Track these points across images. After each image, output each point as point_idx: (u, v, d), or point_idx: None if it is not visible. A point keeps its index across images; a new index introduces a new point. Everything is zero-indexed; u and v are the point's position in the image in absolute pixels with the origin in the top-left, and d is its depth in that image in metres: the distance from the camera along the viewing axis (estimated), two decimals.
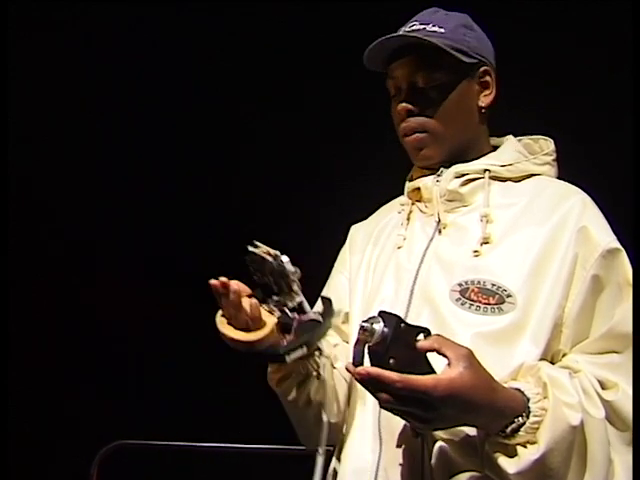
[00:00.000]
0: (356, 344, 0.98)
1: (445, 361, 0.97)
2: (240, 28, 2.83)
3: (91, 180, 2.97)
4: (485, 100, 1.27)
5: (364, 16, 2.46)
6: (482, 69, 1.27)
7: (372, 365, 0.96)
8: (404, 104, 1.23)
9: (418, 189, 1.27)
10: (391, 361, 0.95)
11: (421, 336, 0.98)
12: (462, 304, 1.12)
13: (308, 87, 2.80)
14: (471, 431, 1.04)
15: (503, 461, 1.00)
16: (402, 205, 1.30)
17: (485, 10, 1.36)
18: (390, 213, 1.35)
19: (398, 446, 1.10)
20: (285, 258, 1.08)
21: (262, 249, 1.09)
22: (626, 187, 1.32)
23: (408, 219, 1.27)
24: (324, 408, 1.19)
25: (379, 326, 0.96)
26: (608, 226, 1.17)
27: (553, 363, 1.10)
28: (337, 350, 1.30)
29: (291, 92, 2.82)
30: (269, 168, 2.89)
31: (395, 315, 0.98)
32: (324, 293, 1.38)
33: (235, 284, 1.11)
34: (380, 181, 1.43)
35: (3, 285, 2.02)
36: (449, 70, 1.23)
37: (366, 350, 0.98)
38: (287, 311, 1.11)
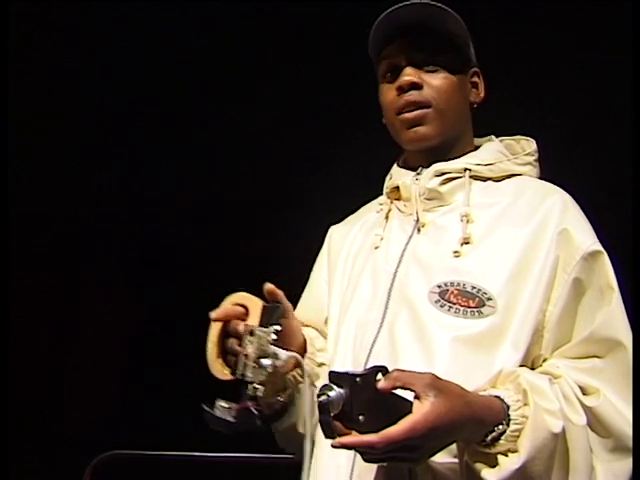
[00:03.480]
0: (320, 417, 0.94)
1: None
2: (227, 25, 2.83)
3: (91, 181, 2.98)
4: (476, 98, 1.27)
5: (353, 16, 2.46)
6: (473, 69, 1.28)
7: (346, 427, 0.93)
8: (408, 77, 1.19)
9: (397, 188, 1.24)
10: (361, 418, 0.92)
11: (379, 375, 0.94)
12: (441, 306, 1.09)
13: (289, 86, 2.80)
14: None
15: (484, 471, 0.97)
16: (380, 205, 1.28)
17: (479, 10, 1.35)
18: (369, 213, 1.33)
19: None
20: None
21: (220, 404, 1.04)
22: (618, 189, 1.31)
23: (386, 218, 1.25)
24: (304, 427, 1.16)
25: (335, 393, 0.92)
26: (590, 227, 1.15)
27: (533, 368, 1.08)
28: (322, 370, 1.24)
29: (269, 92, 2.82)
30: (248, 170, 2.89)
31: (347, 373, 0.95)
32: (304, 296, 1.37)
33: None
34: (360, 181, 1.41)
35: (3, 290, 2.00)
36: (450, 57, 1.23)
37: (332, 421, 0.94)
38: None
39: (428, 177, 1.20)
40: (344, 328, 1.20)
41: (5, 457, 1.80)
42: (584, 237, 1.12)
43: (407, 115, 1.20)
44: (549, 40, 2.56)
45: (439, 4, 1.19)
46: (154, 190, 2.99)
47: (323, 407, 0.92)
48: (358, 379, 0.93)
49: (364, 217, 1.33)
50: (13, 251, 2.01)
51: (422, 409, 0.90)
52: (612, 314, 1.08)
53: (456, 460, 1.01)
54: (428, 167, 1.22)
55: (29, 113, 2.66)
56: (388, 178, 1.31)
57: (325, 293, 1.30)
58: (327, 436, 0.94)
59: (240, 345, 1.04)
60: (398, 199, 1.25)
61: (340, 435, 0.92)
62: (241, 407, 1.03)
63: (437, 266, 1.13)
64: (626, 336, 1.08)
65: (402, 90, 1.20)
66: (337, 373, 0.95)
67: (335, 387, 0.93)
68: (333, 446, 0.92)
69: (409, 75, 1.19)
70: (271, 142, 2.87)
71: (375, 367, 0.96)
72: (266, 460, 2.43)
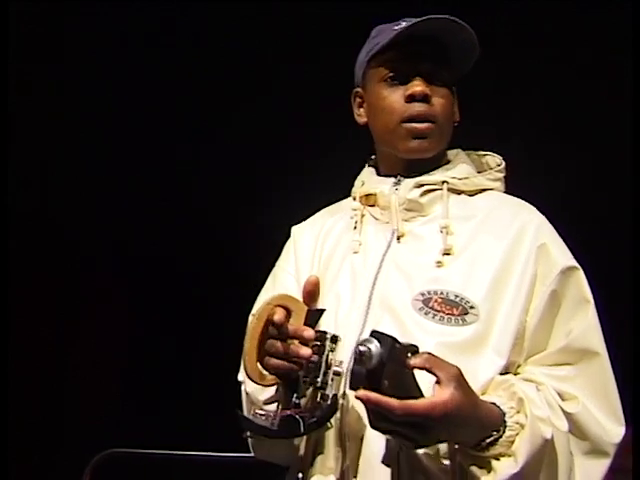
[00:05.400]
0: (353, 367, 0.96)
1: (428, 375, 0.96)
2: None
3: (91, 181, 2.98)
4: (456, 116, 1.29)
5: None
6: (454, 88, 1.28)
7: (367, 387, 0.94)
8: (421, 88, 1.19)
9: (370, 194, 1.25)
10: (385, 382, 0.93)
11: (409, 354, 0.96)
12: (425, 313, 1.11)
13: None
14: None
15: (479, 474, 1.00)
16: (354, 210, 1.27)
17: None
18: (334, 216, 1.32)
19: (364, 455, 1.08)
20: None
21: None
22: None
23: (361, 223, 1.25)
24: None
25: (376, 348, 0.94)
26: (564, 244, 1.19)
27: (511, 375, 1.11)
28: None
29: (270, 92, 2.84)
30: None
31: (389, 336, 0.96)
32: (268, 287, 1.33)
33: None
34: (320, 184, 1.40)
35: (3, 290, 2.01)
36: (450, 75, 1.25)
37: (363, 373, 0.95)
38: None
39: (408, 188, 1.21)
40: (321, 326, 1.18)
41: (5, 457, 1.80)
42: (561, 253, 1.16)
43: (417, 125, 1.20)
44: (548, 41, 2.57)
45: (458, 19, 1.19)
46: (154, 190, 2.99)
47: (361, 357, 0.93)
48: (398, 345, 0.95)
49: (330, 219, 1.32)
50: (13, 251, 2.01)
51: (442, 395, 0.94)
52: (588, 326, 1.13)
53: (448, 462, 1.04)
54: (405, 175, 1.23)
55: (29, 113, 2.66)
56: (360, 183, 1.30)
57: (294, 286, 1.27)
58: (352, 387, 0.96)
59: (315, 352, 1.02)
60: (371, 205, 1.26)
61: (365, 389, 0.94)
62: (284, 414, 1.03)
63: (419, 275, 1.15)
64: (601, 346, 1.13)
65: (412, 99, 1.20)
66: (380, 333, 0.96)
67: (377, 343, 0.94)
68: (357, 397, 0.94)
69: (421, 86, 1.19)
70: (272, 143, 2.88)
71: (410, 345, 0.98)
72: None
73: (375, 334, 0.96)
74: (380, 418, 0.94)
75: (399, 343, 0.96)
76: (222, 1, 2.69)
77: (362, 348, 0.94)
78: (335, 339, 1.03)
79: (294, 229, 1.37)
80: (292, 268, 1.30)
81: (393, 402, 0.91)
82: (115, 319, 3.07)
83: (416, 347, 0.98)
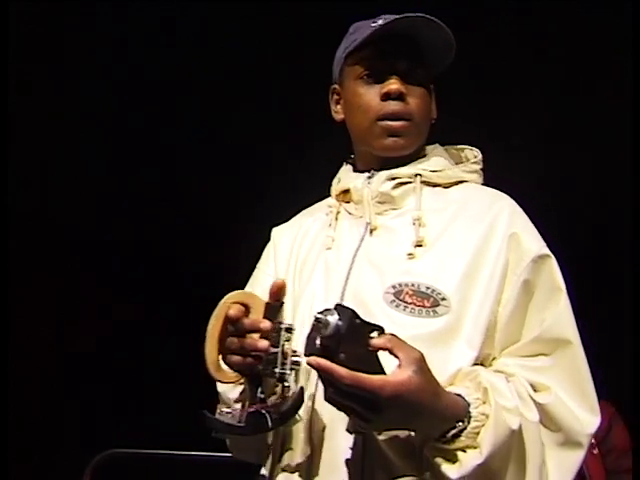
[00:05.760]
0: (310, 334, 0.96)
1: (395, 361, 0.95)
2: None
3: (91, 181, 2.98)
4: (434, 114, 1.29)
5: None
6: (432, 85, 1.28)
7: (322, 357, 0.94)
8: (397, 86, 1.20)
9: (346, 191, 1.26)
10: (342, 355, 0.93)
11: (375, 334, 0.96)
12: (397, 306, 1.10)
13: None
14: (409, 434, 1.03)
15: (444, 466, 0.99)
16: (330, 207, 1.28)
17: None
18: (313, 215, 1.33)
19: (330, 449, 1.07)
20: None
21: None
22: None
23: (335, 220, 1.26)
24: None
25: (333, 319, 0.94)
26: (537, 232, 1.18)
27: (484, 367, 1.10)
28: None
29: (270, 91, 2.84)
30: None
31: (350, 309, 0.96)
32: (249, 288, 1.31)
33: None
34: (320, 184, 1.40)
35: (3, 290, 2.01)
36: (427, 72, 1.25)
37: (318, 341, 0.95)
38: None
39: (380, 181, 1.22)
40: (298, 323, 1.17)
41: (5, 457, 1.80)
42: (533, 241, 1.15)
43: (392, 124, 1.21)
44: (550, 41, 2.57)
45: (434, 18, 1.19)
46: (154, 190, 2.99)
47: (318, 325, 0.94)
48: (358, 320, 0.95)
49: (310, 219, 1.33)
50: (13, 251, 2.01)
51: (398, 376, 0.93)
52: (561, 315, 1.11)
53: (413, 455, 1.03)
54: (380, 170, 1.23)
55: (29, 113, 2.66)
56: (336, 181, 1.31)
57: None
58: (306, 353, 0.95)
59: (271, 344, 1.01)
60: (347, 202, 1.26)
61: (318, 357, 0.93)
62: (249, 410, 1.02)
63: (391, 268, 1.14)
64: (574, 335, 1.11)
65: (388, 97, 1.20)
66: (343, 306, 0.96)
67: (336, 315, 0.94)
68: (308, 363, 0.93)
69: (396, 84, 1.20)
70: (272, 143, 2.88)
71: (375, 325, 0.97)
72: None
73: (337, 307, 0.96)
74: (333, 390, 0.94)
75: (360, 319, 0.95)
76: (222, 1, 2.69)
77: (319, 316, 0.94)
78: (290, 329, 1.02)
79: (274, 231, 1.38)
80: (271, 270, 1.30)
81: (342, 370, 0.91)
82: (115, 319, 3.07)
83: (381, 327, 0.97)
